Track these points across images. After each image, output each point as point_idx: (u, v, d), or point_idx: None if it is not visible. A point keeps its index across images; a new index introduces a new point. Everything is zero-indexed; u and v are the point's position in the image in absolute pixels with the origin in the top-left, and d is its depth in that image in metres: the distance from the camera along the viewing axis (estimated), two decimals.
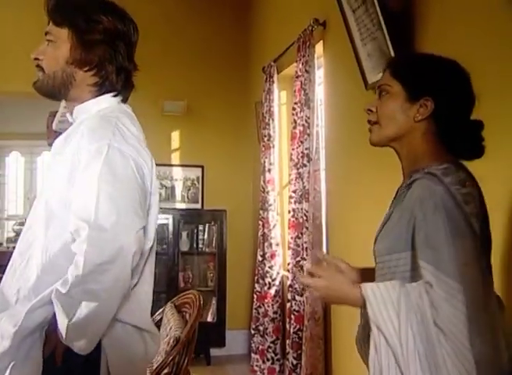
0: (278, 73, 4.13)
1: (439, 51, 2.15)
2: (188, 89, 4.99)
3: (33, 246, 1.52)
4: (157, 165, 5.20)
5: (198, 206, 4.98)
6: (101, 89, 1.60)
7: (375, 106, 1.51)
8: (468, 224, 1.29)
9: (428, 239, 1.28)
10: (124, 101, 1.68)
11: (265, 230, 4.13)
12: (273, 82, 4.11)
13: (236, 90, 5.08)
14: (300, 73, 3.42)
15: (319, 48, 3.38)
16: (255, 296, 4.16)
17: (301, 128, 3.38)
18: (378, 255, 1.48)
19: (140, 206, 1.47)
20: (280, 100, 4.26)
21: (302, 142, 3.36)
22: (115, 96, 1.63)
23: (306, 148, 3.33)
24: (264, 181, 4.17)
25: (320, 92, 3.41)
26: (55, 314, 1.40)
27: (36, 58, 1.59)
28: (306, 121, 3.33)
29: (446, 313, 1.23)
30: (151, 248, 1.58)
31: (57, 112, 4.70)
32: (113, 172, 1.43)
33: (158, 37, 4.92)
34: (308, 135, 3.32)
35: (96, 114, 1.57)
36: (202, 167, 5.03)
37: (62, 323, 1.37)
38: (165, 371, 1.95)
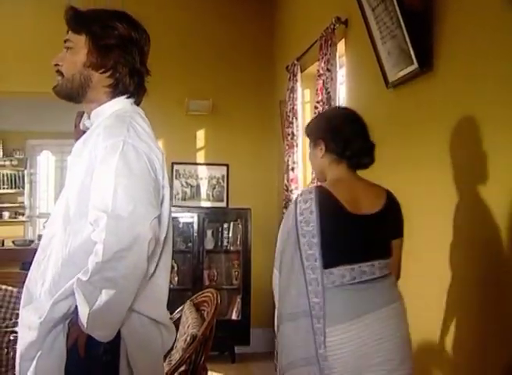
0: (301, 72, 4.13)
1: (457, 49, 2.14)
2: (213, 88, 5.03)
3: (54, 241, 1.61)
4: (182, 163, 5.26)
5: (223, 205, 5.02)
6: (115, 90, 1.70)
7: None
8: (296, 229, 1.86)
9: None
10: (137, 104, 1.77)
11: None
12: (296, 80, 4.11)
13: (261, 88, 5.10)
14: (322, 72, 3.42)
15: (341, 46, 3.37)
16: None
17: None
18: None
19: (154, 197, 1.56)
20: (304, 98, 4.25)
21: None
22: (128, 98, 1.73)
23: None
24: (287, 180, 4.18)
25: (342, 91, 3.40)
26: (76, 306, 1.49)
27: (56, 64, 1.71)
28: None
29: None
30: (165, 239, 1.65)
31: (84, 112, 4.78)
32: (128, 166, 1.52)
33: (182, 38, 4.98)
34: None
35: (112, 114, 1.66)
36: (227, 166, 5.06)
37: (84, 312, 1.45)
38: (182, 368, 1.98)
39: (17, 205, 8.12)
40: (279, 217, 4.81)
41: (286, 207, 4.18)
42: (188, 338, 2.00)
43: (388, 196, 1.98)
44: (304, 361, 1.81)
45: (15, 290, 2.93)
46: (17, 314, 2.93)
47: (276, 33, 5.03)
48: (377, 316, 1.83)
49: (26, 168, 8.08)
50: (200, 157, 5.11)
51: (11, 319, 2.86)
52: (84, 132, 4.99)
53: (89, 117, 1.76)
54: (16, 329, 2.86)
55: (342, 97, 3.39)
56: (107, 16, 1.71)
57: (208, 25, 5.06)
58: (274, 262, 2.02)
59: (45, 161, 7.96)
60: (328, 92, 3.32)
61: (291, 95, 4.18)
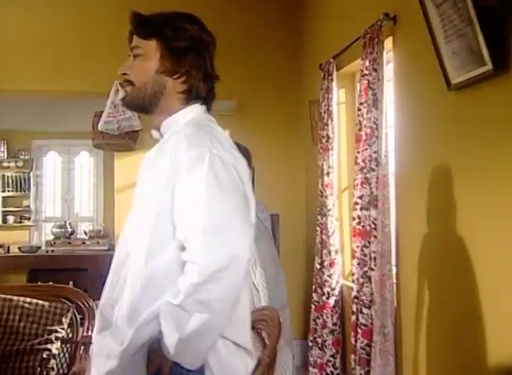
0: (337, 71, 4.05)
1: None
2: (238, 87, 4.94)
3: (129, 262, 1.56)
4: None
5: None
6: (189, 97, 1.67)
7: None
8: None
9: None
10: (208, 110, 1.75)
11: (323, 237, 4.06)
12: (332, 80, 4.04)
13: (289, 88, 5.03)
14: (366, 72, 3.34)
15: (387, 44, 3.29)
16: (313, 306, 4.10)
17: (368, 130, 3.30)
18: None
19: (247, 212, 1.52)
20: (339, 99, 4.18)
21: (370, 145, 3.28)
22: (201, 105, 1.70)
23: (374, 152, 3.25)
24: (322, 185, 4.10)
25: (388, 91, 3.32)
26: (160, 332, 1.45)
27: (124, 74, 1.67)
28: (374, 123, 3.25)
29: None
30: None
31: (102, 112, 4.71)
32: (218, 178, 1.48)
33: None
34: (377, 138, 3.23)
35: (188, 123, 1.63)
36: (253, 169, 4.96)
37: (172, 337, 1.41)
38: None
39: (22, 208, 8.03)
40: (309, 224, 4.75)
41: (320, 214, 4.10)
42: None
43: None
44: None
45: (46, 304, 2.85)
46: (50, 330, 2.88)
47: (306, 31, 4.95)
48: None
49: (31, 170, 7.98)
50: None
51: (43, 336, 2.78)
52: (103, 133, 4.85)
53: (157, 128, 1.71)
54: (49, 346, 2.82)
55: (388, 98, 3.31)
56: (176, 18, 1.68)
57: (232, 21, 4.98)
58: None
59: (52, 162, 7.88)
60: (375, 93, 3.25)
61: (326, 95, 4.11)
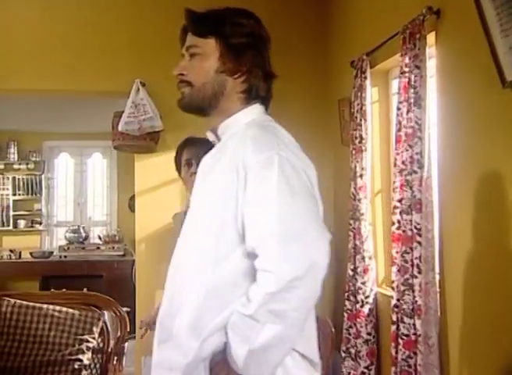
0: (370, 68, 3.96)
1: None
2: None
3: (190, 271, 1.51)
4: None
5: None
6: (249, 96, 1.63)
7: None
8: None
9: None
10: (266, 110, 1.71)
11: (357, 242, 3.96)
12: (366, 78, 3.94)
13: (316, 86, 4.93)
14: (406, 69, 3.24)
15: (429, 39, 3.20)
16: (346, 315, 4.00)
17: (409, 130, 3.20)
18: None
19: (320, 218, 1.49)
20: (372, 98, 4.08)
21: (411, 146, 3.18)
22: (260, 105, 1.66)
23: (416, 153, 3.14)
24: (355, 188, 4.00)
25: (430, 89, 3.22)
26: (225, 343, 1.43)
27: (180, 74, 1.63)
28: (416, 122, 3.15)
29: None
30: None
31: (123, 112, 4.62)
32: (289, 183, 1.44)
33: None
34: (419, 138, 3.13)
35: (249, 124, 1.58)
36: None
37: (241, 349, 1.37)
38: None
39: (33, 212, 7.97)
40: (338, 228, 4.65)
41: (353, 218, 4.01)
42: None
43: None
44: None
45: (76, 312, 2.78)
46: (80, 339, 2.80)
47: (336, 26, 4.84)
48: None
49: (43, 172, 7.92)
50: None
51: (74, 346, 2.70)
52: (124, 134, 4.80)
53: (214, 131, 1.67)
54: (81, 356, 2.74)
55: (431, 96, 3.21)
56: (232, 14, 1.65)
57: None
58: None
59: (64, 164, 7.80)
60: (417, 92, 3.15)
61: (358, 94, 4.01)
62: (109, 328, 2.81)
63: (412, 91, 3.18)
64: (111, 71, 4.71)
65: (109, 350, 2.79)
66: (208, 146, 2.94)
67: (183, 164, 2.99)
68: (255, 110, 1.64)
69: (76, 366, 2.68)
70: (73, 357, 2.69)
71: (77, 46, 4.71)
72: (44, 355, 2.67)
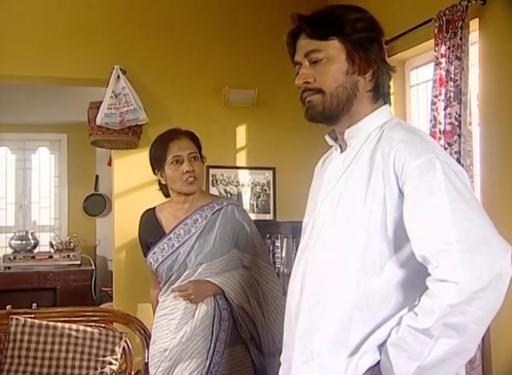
0: (388, 58, 4.07)
1: None
2: (259, 75, 4.91)
3: (332, 286, 1.57)
4: (219, 167, 5.14)
5: (269, 217, 4.91)
6: (376, 94, 1.71)
7: None
8: None
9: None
10: None
11: None
12: None
13: None
14: (443, 60, 3.36)
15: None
16: None
17: (448, 127, 3.31)
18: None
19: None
20: None
21: (450, 144, 3.29)
22: (386, 103, 1.74)
23: (455, 152, 3.27)
24: None
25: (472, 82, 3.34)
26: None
27: (305, 83, 1.69)
28: (456, 119, 3.27)
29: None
30: None
31: (100, 102, 4.57)
32: (456, 188, 1.49)
33: (224, 14, 4.85)
34: (459, 136, 3.26)
35: (387, 125, 1.66)
36: (273, 170, 4.95)
37: (407, 366, 1.43)
38: None
39: None
40: None
41: None
42: None
43: None
44: None
45: (95, 331, 2.75)
46: (102, 362, 2.77)
47: None
48: None
49: None
50: (241, 159, 4.96)
51: (96, 369, 2.69)
52: (102, 128, 4.76)
53: (335, 137, 1.77)
54: None
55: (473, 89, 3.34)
56: (346, 11, 1.70)
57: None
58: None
59: (3, 160, 7.59)
60: (457, 85, 3.27)
61: None
62: (131, 348, 2.80)
63: (452, 84, 3.30)
64: (86, 56, 4.64)
65: (132, 372, 2.78)
66: (195, 138, 2.98)
67: (169, 161, 2.92)
68: (385, 111, 1.72)
69: None
70: None
71: (50, 29, 4.62)
72: None
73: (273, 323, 2.77)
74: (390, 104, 1.76)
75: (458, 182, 1.50)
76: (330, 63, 1.66)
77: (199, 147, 2.91)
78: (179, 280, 2.77)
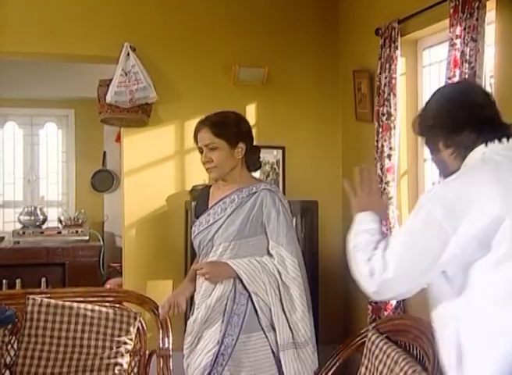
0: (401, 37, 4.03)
1: None
2: (269, 53, 4.88)
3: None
4: None
5: None
6: None
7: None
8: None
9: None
10: None
11: (384, 229, 4.06)
12: (396, 48, 4.01)
13: (328, 55, 5.00)
14: (458, 41, 3.32)
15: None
16: (370, 307, 4.12)
17: None
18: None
19: None
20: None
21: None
22: None
23: None
24: (381, 169, 4.09)
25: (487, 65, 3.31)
26: None
27: None
28: None
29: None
30: None
31: (110, 80, 4.54)
32: None
33: None
34: None
35: None
36: (283, 149, 4.94)
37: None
38: None
39: None
40: (347, 212, 4.75)
41: None
42: None
43: None
44: None
45: (110, 311, 2.77)
46: (118, 341, 2.79)
47: None
48: None
49: None
50: None
51: (111, 348, 2.70)
52: (112, 106, 4.73)
53: None
54: (120, 360, 2.73)
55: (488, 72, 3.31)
56: None
57: None
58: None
59: (11, 135, 7.57)
60: (472, 67, 3.24)
61: (386, 66, 4.08)
62: (145, 328, 2.82)
63: (467, 66, 3.26)
64: (96, 33, 4.61)
65: (147, 352, 2.80)
66: (215, 126, 2.96)
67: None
68: None
69: (116, 371, 2.67)
70: (112, 361, 2.68)
71: (59, 5, 4.59)
72: (79, 360, 2.65)
73: (292, 315, 2.71)
74: None
75: None
76: None
77: (220, 134, 2.82)
78: (208, 256, 2.81)
